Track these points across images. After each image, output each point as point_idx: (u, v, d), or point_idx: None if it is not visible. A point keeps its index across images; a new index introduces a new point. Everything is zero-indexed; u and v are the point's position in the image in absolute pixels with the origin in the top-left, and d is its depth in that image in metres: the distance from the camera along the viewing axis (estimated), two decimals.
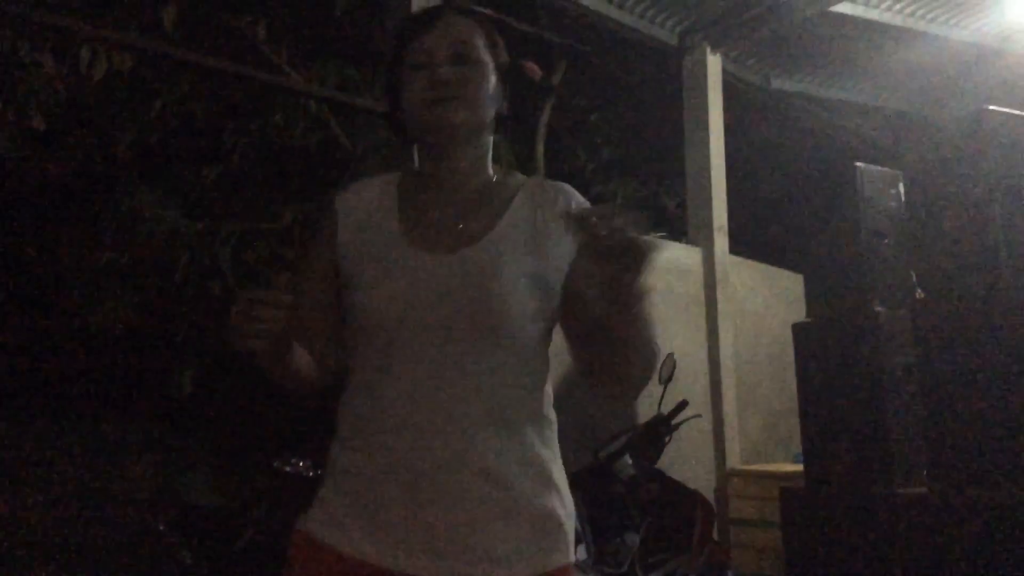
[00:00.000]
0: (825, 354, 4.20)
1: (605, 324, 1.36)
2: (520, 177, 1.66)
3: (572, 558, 1.53)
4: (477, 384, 1.46)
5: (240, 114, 7.27)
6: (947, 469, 3.71)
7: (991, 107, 3.71)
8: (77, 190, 7.59)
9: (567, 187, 1.62)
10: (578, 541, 3.34)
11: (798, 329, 4.40)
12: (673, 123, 6.48)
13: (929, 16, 5.96)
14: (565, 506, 1.55)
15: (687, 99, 6.11)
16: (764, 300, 6.42)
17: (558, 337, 1.60)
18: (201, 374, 7.10)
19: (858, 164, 4.18)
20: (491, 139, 1.68)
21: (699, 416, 4.22)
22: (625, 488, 3.46)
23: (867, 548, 3.89)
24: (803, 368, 4.33)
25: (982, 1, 5.78)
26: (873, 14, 5.80)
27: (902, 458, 3.92)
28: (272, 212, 7.47)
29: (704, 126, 5.97)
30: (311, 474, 3.23)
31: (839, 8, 5.63)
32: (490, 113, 1.62)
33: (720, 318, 5.81)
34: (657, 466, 3.63)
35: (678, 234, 7.02)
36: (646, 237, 1.27)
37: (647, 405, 4.98)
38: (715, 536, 3.80)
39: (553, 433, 1.59)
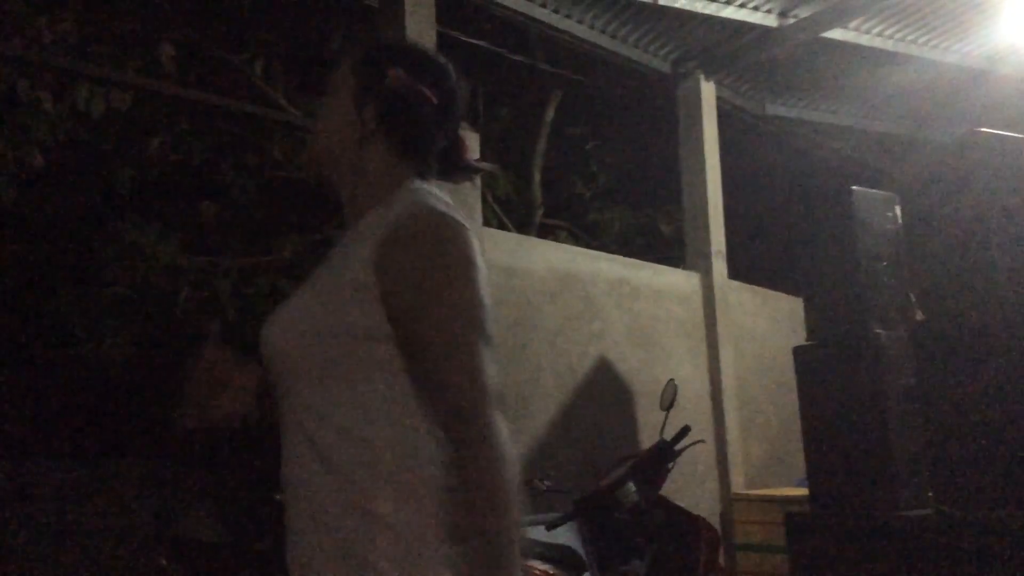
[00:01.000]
0: (826, 377, 4.20)
1: None
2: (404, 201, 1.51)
3: None
4: (297, 434, 1.57)
5: (238, 149, 7.32)
6: (952, 490, 3.70)
7: (981, 129, 3.74)
8: (77, 227, 7.62)
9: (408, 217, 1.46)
10: (583, 569, 3.33)
11: (799, 352, 4.40)
12: (669, 150, 6.52)
13: (919, 40, 6.02)
14: None
15: (682, 126, 6.15)
16: (764, 324, 6.43)
17: None
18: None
19: (854, 187, 4.20)
20: (384, 158, 1.57)
21: (702, 442, 4.21)
22: (629, 515, 3.44)
23: (874, 571, 3.87)
24: (805, 391, 4.33)
25: (970, 25, 5.85)
26: (864, 39, 5.86)
27: (906, 480, 3.91)
28: (272, 246, 7.49)
29: (700, 152, 6.02)
30: None
31: (831, 34, 5.69)
32: (350, 134, 1.53)
33: (720, 343, 5.82)
34: (661, 492, 3.62)
35: (676, 260, 7.04)
36: None
37: (650, 431, 4.98)
38: (721, 562, 3.78)
39: None
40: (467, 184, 4.40)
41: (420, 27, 4.36)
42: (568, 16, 5.43)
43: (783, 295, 6.60)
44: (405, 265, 1.38)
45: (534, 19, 5.31)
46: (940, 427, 3.76)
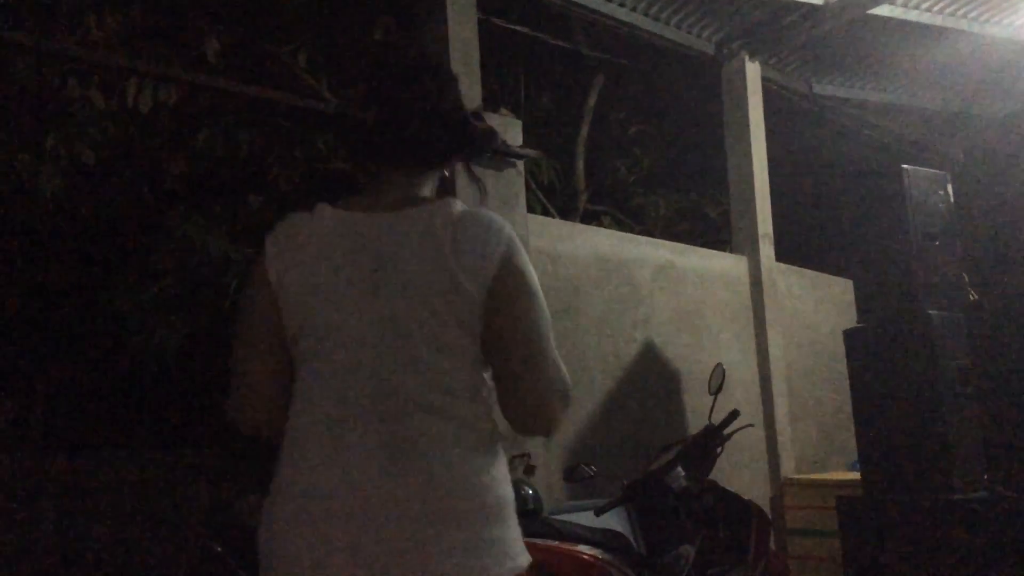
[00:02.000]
0: (878, 360, 4.15)
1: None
2: None
3: None
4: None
5: (283, 142, 7.38)
6: (1007, 472, 3.64)
7: None
8: (128, 221, 7.75)
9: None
10: (632, 554, 3.33)
11: (849, 335, 4.35)
12: (714, 132, 6.47)
13: (968, 15, 5.90)
14: None
15: (727, 107, 6.09)
16: (813, 307, 6.36)
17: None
18: None
19: (905, 166, 4.14)
20: None
21: (751, 426, 4.17)
22: (678, 500, 3.43)
23: (927, 555, 3.82)
24: (856, 374, 4.28)
25: None
26: (912, 15, 5.75)
27: (961, 463, 3.85)
28: None
29: (745, 134, 5.96)
30: None
31: (877, 11, 5.59)
32: None
33: (768, 326, 5.76)
34: (710, 477, 3.60)
35: (722, 243, 6.98)
36: None
37: (697, 417, 4.96)
38: (772, 546, 3.76)
39: None
40: (511, 171, 4.45)
41: (461, 15, 4.36)
42: None
43: (832, 277, 6.52)
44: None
45: (575, 3, 5.28)
46: (995, 408, 3.70)
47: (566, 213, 8.23)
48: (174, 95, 5.78)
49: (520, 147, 4.44)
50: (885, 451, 4.09)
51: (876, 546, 4.03)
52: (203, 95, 6.45)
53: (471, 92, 4.36)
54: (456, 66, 4.29)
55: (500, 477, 1.50)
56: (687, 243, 5.94)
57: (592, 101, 8.58)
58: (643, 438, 4.79)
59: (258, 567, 1.48)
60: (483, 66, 4.45)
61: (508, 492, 1.51)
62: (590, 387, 4.74)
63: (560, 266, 4.73)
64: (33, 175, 6.14)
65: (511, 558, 1.47)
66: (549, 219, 6.01)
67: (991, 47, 6.12)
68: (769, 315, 5.79)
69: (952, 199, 4.14)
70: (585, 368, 4.74)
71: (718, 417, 3.62)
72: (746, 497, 3.74)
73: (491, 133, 1.68)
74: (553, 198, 8.27)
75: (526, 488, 3.35)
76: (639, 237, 5.72)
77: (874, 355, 4.18)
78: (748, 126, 5.95)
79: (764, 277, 5.83)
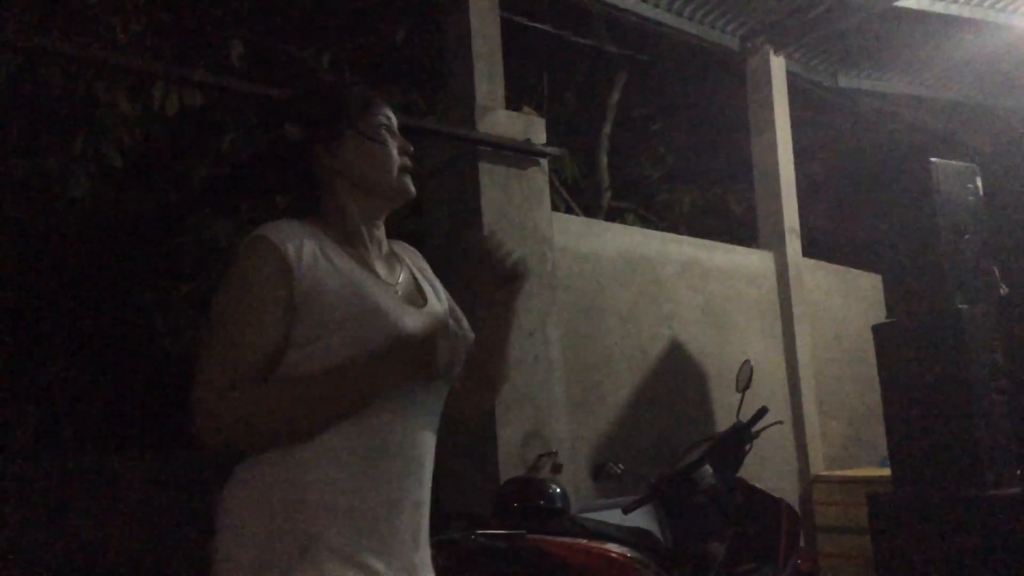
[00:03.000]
0: (908, 355, 4.11)
1: (486, 338, 1.71)
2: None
3: None
4: (433, 421, 1.65)
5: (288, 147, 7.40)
6: None
7: None
8: (156, 223, 7.81)
9: (409, 247, 1.83)
10: (660, 551, 3.31)
11: (879, 330, 4.31)
12: (738, 127, 6.43)
13: (995, 5, 5.83)
14: None
15: (752, 102, 6.06)
16: (841, 302, 6.31)
17: None
18: None
19: (933, 160, 4.10)
20: None
21: (780, 423, 4.15)
22: (707, 498, 3.42)
23: (958, 552, 3.78)
24: (885, 370, 4.24)
25: None
26: (938, 6, 5.69)
27: (992, 459, 3.81)
28: None
29: (770, 128, 5.92)
30: None
31: (903, 2, 5.54)
32: None
33: (796, 322, 5.72)
34: (739, 475, 3.58)
35: (748, 239, 6.94)
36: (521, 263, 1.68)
37: (725, 414, 4.93)
38: (802, 544, 3.73)
39: None
40: (535, 169, 4.45)
41: (484, 14, 4.36)
42: None
43: (861, 272, 6.46)
44: None
45: (598, 0, 5.28)
46: None
47: (590, 211, 8.22)
48: (199, 98, 5.82)
49: (544, 145, 4.43)
50: (915, 447, 4.06)
51: (907, 542, 4.00)
52: (228, 98, 6.49)
53: (494, 90, 4.36)
54: (479, 64, 4.30)
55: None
56: (712, 239, 5.91)
57: (615, 98, 8.56)
58: (670, 436, 4.77)
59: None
60: (506, 64, 4.45)
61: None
62: (616, 385, 4.73)
63: (585, 264, 4.72)
64: (62, 178, 6.20)
65: None
66: (573, 217, 6.00)
67: (1019, 37, 6.05)
68: (796, 311, 5.75)
69: (981, 192, 4.10)
70: (610, 366, 4.72)
71: (746, 414, 3.60)
72: (775, 494, 3.72)
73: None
74: (577, 196, 8.26)
75: (554, 486, 3.35)
76: (664, 234, 5.70)
77: (904, 350, 4.14)
78: (773, 120, 5.91)
79: (791, 273, 5.79)
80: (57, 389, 8.23)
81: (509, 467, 3.91)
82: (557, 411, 4.25)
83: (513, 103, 4.75)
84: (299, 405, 1.48)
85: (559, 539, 3.04)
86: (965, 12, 5.77)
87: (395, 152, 1.67)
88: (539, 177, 4.44)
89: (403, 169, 1.67)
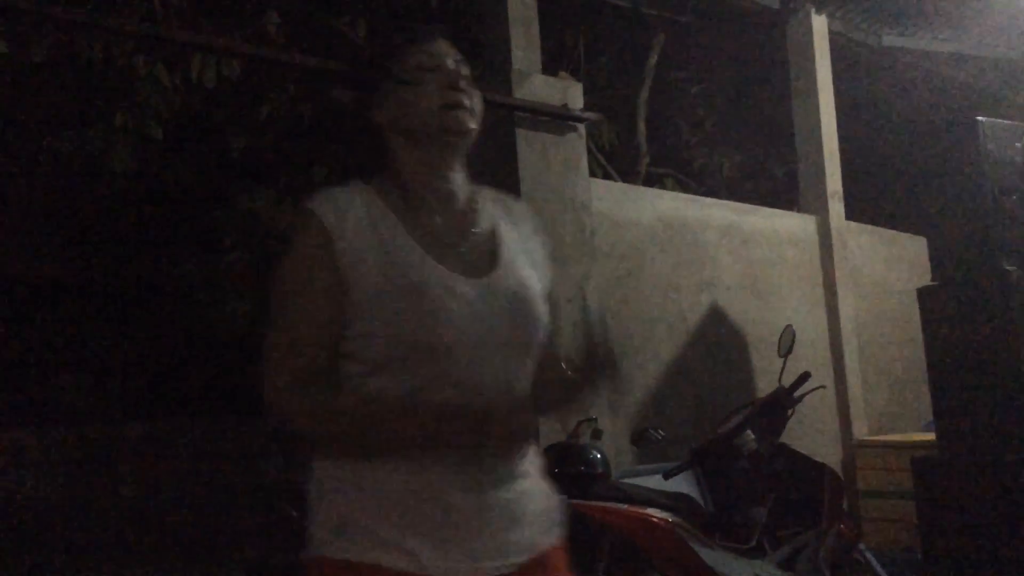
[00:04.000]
0: (953, 318, 4.05)
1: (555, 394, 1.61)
2: (471, 186, 1.61)
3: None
4: (516, 395, 1.50)
5: (345, 113, 7.42)
6: None
7: None
8: (195, 196, 7.89)
9: (518, 201, 1.69)
10: (702, 516, 3.32)
11: (923, 293, 4.25)
12: (779, 89, 6.33)
13: None
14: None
15: (793, 63, 5.96)
16: (884, 266, 6.23)
17: None
18: None
19: (980, 118, 4.01)
20: None
21: (822, 388, 4.12)
22: (749, 463, 3.41)
23: (1004, 516, 3.75)
24: (931, 333, 4.18)
25: None
26: None
27: None
28: None
29: (812, 89, 5.82)
30: None
31: None
32: None
33: (839, 287, 5.66)
34: (781, 440, 3.56)
35: (789, 203, 6.86)
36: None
37: (766, 379, 4.91)
38: (845, 509, 3.72)
39: None
40: (572, 135, 4.42)
41: None
42: None
43: (905, 235, 6.37)
44: None
45: None
46: None
47: (628, 176, 8.15)
48: (237, 69, 5.84)
49: (581, 110, 4.40)
50: (961, 411, 4.01)
51: (951, 507, 3.96)
52: (265, 69, 6.51)
53: (530, 55, 4.32)
54: (515, 28, 4.26)
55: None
56: (753, 203, 5.84)
57: (653, 61, 8.45)
58: (711, 401, 4.76)
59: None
60: (542, 28, 4.41)
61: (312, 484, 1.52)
62: (656, 351, 4.72)
63: (623, 230, 4.69)
64: (104, 151, 6.27)
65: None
66: (611, 183, 5.96)
67: None
68: (839, 275, 5.69)
69: None
70: (651, 332, 4.71)
71: (788, 379, 3.58)
72: (818, 459, 3.70)
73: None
74: (614, 161, 8.19)
75: (594, 452, 3.36)
76: (703, 199, 5.65)
77: (949, 313, 4.08)
78: (815, 81, 5.81)
79: (834, 236, 5.71)
80: (104, 358, 8.39)
81: (549, 434, 3.93)
82: None
83: (549, 68, 4.70)
84: (346, 431, 1.46)
85: (601, 504, 3.05)
86: None
87: (436, 89, 1.52)
88: (577, 143, 4.41)
89: (448, 105, 1.51)
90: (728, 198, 6.33)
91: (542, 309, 1.54)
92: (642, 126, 8.52)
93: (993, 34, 6.74)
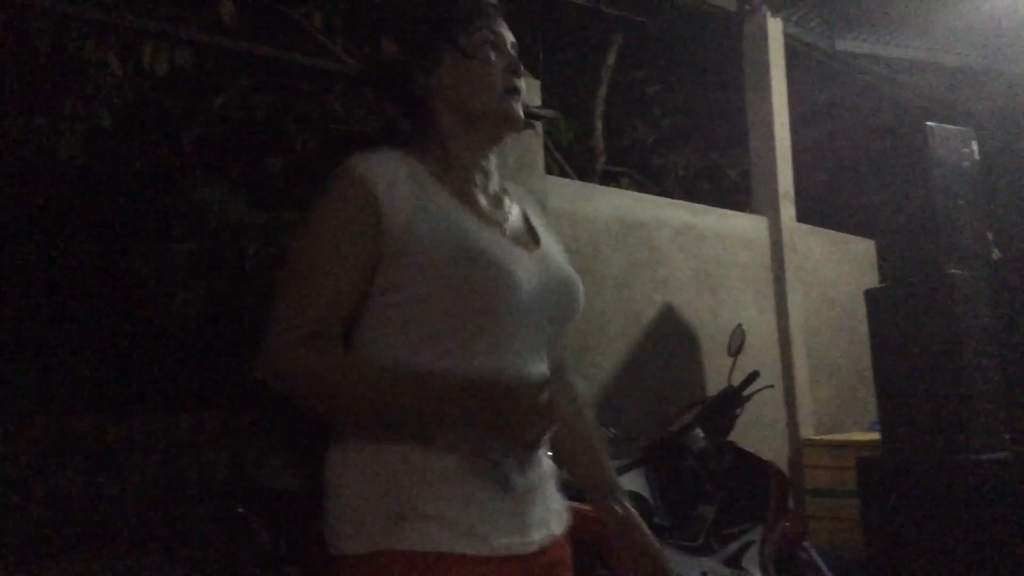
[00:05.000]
0: (900, 320, 4.11)
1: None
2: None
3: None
4: (546, 370, 1.48)
5: (300, 104, 7.35)
6: None
7: None
8: (147, 185, 7.76)
9: (533, 193, 1.70)
10: (651, 515, 3.33)
11: (871, 295, 4.31)
12: (734, 91, 6.39)
13: None
14: None
15: (748, 65, 6.01)
16: (834, 267, 6.31)
17: None
18: None
19: (928, 123, 4.07)
20: None
21: (771, 387, 4.17)
22: (697, 461, 3.43)
23: (947, 516, 3.81)
24: (877, 335, 4.25)
25: None
26: None
27: (982, 423, 3.83)
28: None
29: (767, 92, 5.88)
30: None
31: None
32: None
33: (788, 287, 5.73)
34: (729, 438, 3.60)
35: (742, 204, 6.93)
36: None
37: (716, 378, 4.95)
38: (791, 506, 3.76)
39: None
40: (529, 132, 4.41)
41: None
42: None
43: (854, 237, 6.46)
44: None
45: None
46: (1017, 368, 3.66)
47: (584, 174, 8.18)
48: (190, 58, 5.75)
49: (538, 108, 4.40)
50: (905, 411, 4.07)
51: (895, 506, 4.02)
52: (219, 58, 6.42)
53: None
54: None
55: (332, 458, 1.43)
56: (707, 203, 5.89)
57: (611, 60, 8.49)
58: (662, 400, 4.79)
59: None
60: None
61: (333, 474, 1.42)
62: (608, 349, 4.74)
63: (579, 227, 4.71)
64: (51, 139, 6.14)
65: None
66: (567, 180, 5.97)
67: (1017, 2, 5.99)
68: (789, 276, 5.76)
69: (977, 157, 4.08)
70: (604, 330, 4.73)
71: (738, 378, 3.61)
72: (765, 458, 3.74)
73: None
74: (571, 159, 8.22)
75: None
76: (658, 198, 5.68)
77: (896, 315, 4.14)
78: (769, 84, 5.87)
79: (785, 237, 5.78)
80: (49, 350, 8.22)
81: None
82: None
83: None
84: (356, 399, 1.34)
85: None
86: None
87: (499, 72, 1.47)
88: (533, 140, 4.41)
89: (509, 91, 1.46)
90: (683, 198, 6.38)
91: (582, 289, 1.54)
92: (599, 125, 8.56)
93: (946, 41, 6.86)
